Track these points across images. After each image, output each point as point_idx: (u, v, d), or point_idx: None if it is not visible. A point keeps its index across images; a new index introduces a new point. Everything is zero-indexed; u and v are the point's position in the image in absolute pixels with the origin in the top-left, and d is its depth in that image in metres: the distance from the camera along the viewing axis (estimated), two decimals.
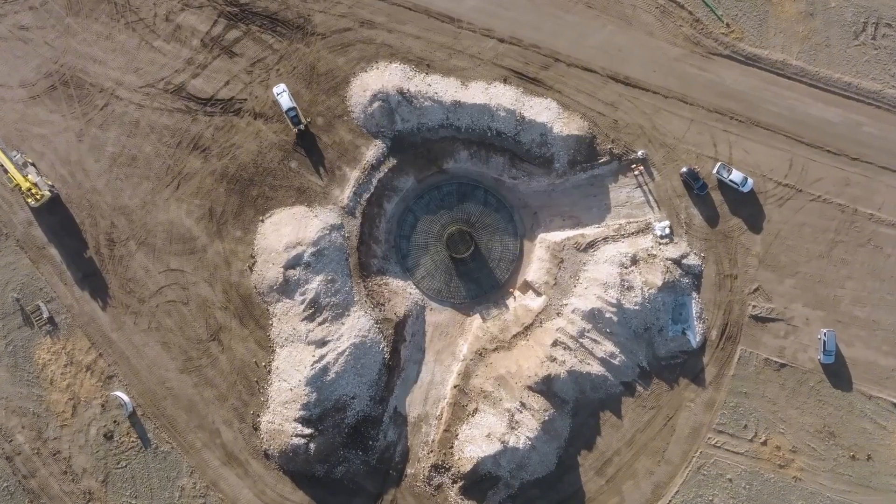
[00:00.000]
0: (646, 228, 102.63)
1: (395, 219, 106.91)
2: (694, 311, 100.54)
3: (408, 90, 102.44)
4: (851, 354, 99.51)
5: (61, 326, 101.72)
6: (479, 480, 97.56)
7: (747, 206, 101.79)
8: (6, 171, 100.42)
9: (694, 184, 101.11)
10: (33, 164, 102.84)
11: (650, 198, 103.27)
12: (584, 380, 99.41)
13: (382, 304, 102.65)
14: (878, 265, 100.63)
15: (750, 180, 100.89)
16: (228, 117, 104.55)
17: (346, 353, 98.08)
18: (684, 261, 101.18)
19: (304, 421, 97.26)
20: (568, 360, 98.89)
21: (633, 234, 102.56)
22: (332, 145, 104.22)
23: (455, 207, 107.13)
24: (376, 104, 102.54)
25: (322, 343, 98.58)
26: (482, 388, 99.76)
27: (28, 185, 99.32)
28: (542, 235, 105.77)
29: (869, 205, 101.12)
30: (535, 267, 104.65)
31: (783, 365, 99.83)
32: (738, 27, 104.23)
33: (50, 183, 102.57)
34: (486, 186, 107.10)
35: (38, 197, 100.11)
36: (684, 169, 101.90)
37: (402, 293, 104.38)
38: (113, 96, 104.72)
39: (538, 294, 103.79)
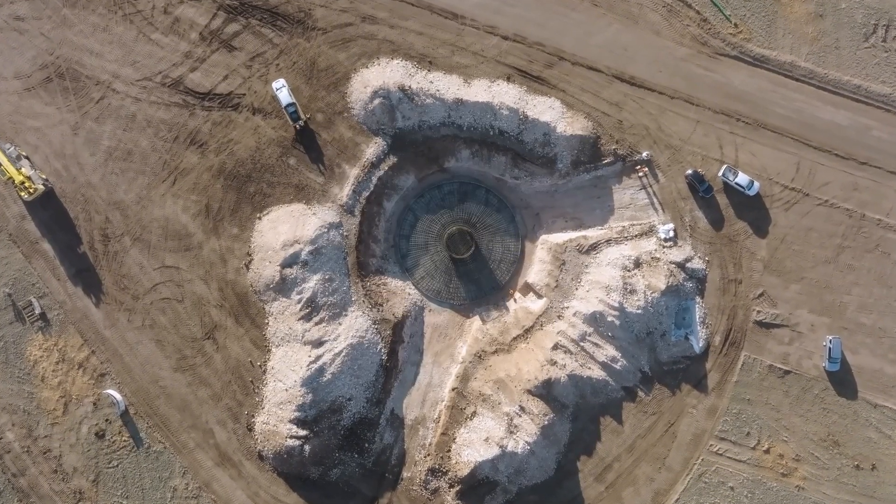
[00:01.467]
0: (649, 231, 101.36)
1: (394, 218, 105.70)
2: (697, 316, 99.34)
3: (409, 87, 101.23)
4: (857, 362, 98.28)
5: (53, 323, 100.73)
6: (476, 485, 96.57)
7: (753, 210, 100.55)
8: None
9: (699, 186, 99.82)
10: (27, 158, 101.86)
11: (654, 200, 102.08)
12: (584, 384, 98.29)
13: (381, 305, 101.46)
14: (886, 271, 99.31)
15: (756, 183, 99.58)
16: (226, 112, 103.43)
17: (343, 353, 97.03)
18: (688, 264, 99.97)
19: (299, 422, 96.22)
20: (568, 363, 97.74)
21: (636, 236, 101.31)
22: (332, 142, 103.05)
23: (456, 207, 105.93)
24: (377, 101, 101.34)
25: (318, 343, 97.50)
26: (481, 391, 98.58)
27: (21, 178, 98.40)
28: (543, 237, 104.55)
29: (877, 210, 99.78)
30: (537, 269, 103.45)
31: (787, 372, 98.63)
32: (747, 27, 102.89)
33: (44, 177, 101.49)
34: (487, 186, 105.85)
35: (31, 191, 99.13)
36: (689, 171, 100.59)
37: (401, 293, 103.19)
38: (109, 89, 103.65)
39: (539, 296, 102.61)
